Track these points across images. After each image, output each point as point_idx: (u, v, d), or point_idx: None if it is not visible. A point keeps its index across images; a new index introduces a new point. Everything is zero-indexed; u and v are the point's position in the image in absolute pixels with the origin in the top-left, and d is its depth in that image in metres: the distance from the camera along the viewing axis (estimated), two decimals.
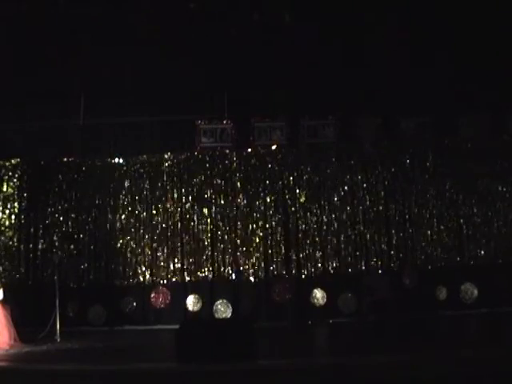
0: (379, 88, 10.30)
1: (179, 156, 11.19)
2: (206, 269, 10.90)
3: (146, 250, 11.00)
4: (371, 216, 11.05)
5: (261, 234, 10.99)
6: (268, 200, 11.09)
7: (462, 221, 11.06)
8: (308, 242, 10.98)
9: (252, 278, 10.84)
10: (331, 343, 9.41)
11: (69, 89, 10.34)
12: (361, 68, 9.95)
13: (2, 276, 10.31)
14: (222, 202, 11.00)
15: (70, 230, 11.00)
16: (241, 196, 11.00)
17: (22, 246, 10.96)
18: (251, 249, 10.94)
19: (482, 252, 10.94)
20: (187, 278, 10.88)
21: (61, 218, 11.04)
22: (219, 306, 10.71)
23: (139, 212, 11.09)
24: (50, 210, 11.06)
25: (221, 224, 11.02)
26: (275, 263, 10.92)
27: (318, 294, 10.76)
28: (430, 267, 10.89)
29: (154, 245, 11.00)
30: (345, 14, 9.24)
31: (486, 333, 8.84)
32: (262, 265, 10.89)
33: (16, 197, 11.11)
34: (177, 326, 7.27)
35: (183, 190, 11.12)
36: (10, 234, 11.00)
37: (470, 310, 10.56)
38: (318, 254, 10.94)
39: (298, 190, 11.13)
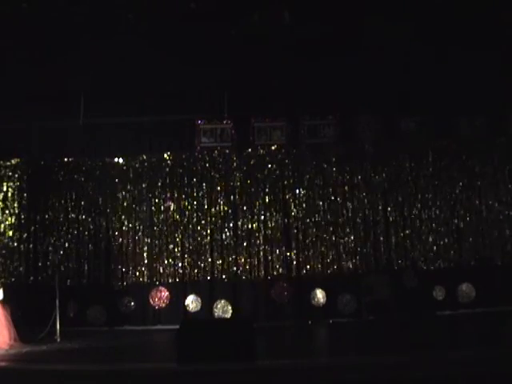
0: (379, 88, 10.29)
1: (179, 156, 11.19)
2: (206, 269, 10.90)
3: (146, 249, 11.00)
4: (371, 216, 11.05)
5: (261, 234, 10.99)
6: (268, 200, 11.10)
7: (461, 221, 11.06)
8: (308, 241, 10.98)
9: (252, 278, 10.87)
10: (331, 343, 9.42)
11: (69, 89, 10.33)
12: (361, 67, 9.94)
13: (2, 276, 10.32)
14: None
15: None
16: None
17: (21, 246, 10.97)
18: (251, 249, 10.95)
19: (482, 252, 10.94)
20: (187, 278, 10.89)
21: (61, 218, 11.06)
22: (219, 306, 10.71)
23: (139, 212, 11.09)
24: (50, 210, 11.06)
25: (220, 224, 11.02)
26: (275, 263, 10.92)
27: (318, 294, 10.77)
28: (429, 267, 10.89)
29: (154, 245, 11.01)
30: (345, 13, 9.23)
31: (486, 333, 8.83)
32: (262, 265, 10.91)
33: (16, 197, 11.12)
34: (177, 326, 7.27)
35: (183, 190, 11.12)
36: (10, 233, 11.01)
37: (469, 309, 10.58)
38: (318, 254, 10.94)
39: (297, 190, 11.13)
